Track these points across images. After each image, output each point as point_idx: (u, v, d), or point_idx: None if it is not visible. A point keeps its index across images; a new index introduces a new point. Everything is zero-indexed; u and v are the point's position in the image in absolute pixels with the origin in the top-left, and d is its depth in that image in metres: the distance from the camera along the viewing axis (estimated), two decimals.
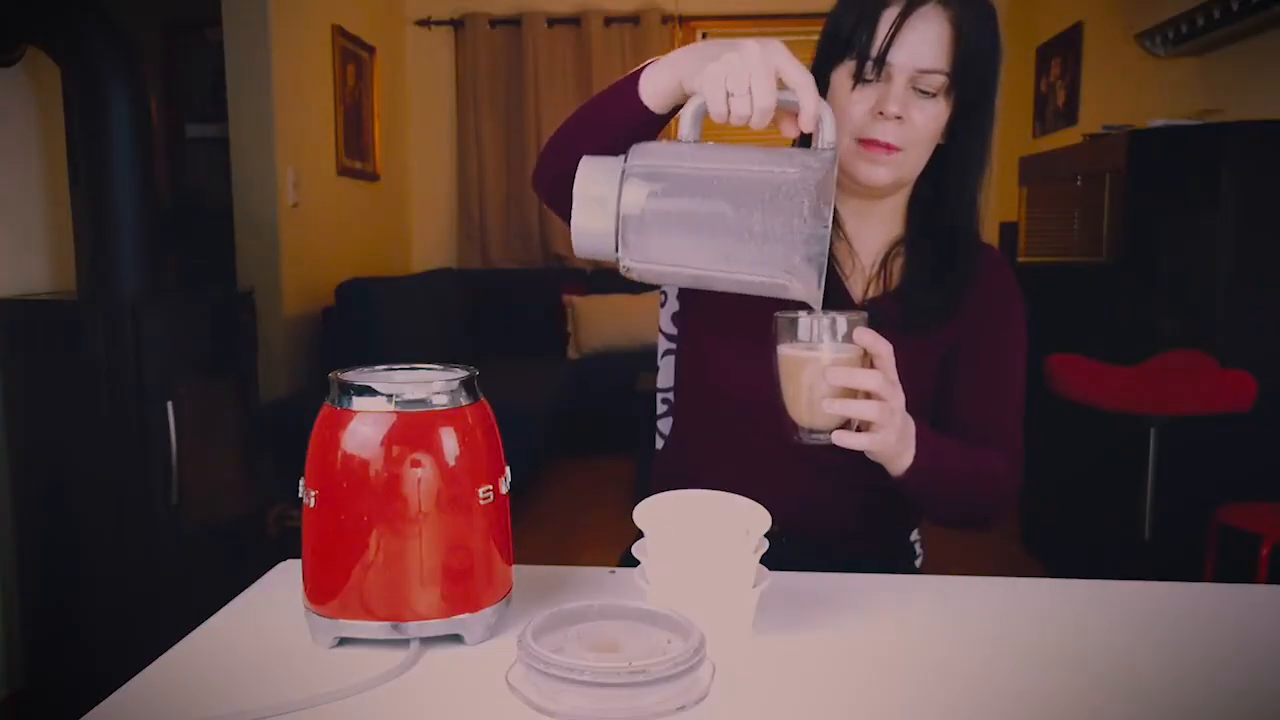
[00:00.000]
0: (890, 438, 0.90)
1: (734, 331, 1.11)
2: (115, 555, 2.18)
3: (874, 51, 1.01)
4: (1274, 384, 2.43)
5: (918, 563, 1.26)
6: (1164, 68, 3.45)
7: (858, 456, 0.93)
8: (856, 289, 1.14)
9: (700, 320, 1.18)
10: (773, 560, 0.86)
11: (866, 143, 1.03)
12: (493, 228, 5.32)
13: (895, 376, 0.89)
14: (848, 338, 0.87)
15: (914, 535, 1.27)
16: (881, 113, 1.01)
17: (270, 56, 3.65)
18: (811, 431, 0.89)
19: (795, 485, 1.07)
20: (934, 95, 1.02)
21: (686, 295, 1.21)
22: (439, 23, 5.26)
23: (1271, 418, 2.44)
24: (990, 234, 4.83)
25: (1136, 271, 2.73)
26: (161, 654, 0.81)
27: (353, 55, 4.49)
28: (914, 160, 1.06)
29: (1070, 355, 2.72)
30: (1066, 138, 4.08)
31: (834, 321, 0.87)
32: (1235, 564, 2.32)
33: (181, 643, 0.84)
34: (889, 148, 1.03)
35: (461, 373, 0.83)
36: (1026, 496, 3.49)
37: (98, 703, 0.72)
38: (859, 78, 1.02)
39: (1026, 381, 1.15)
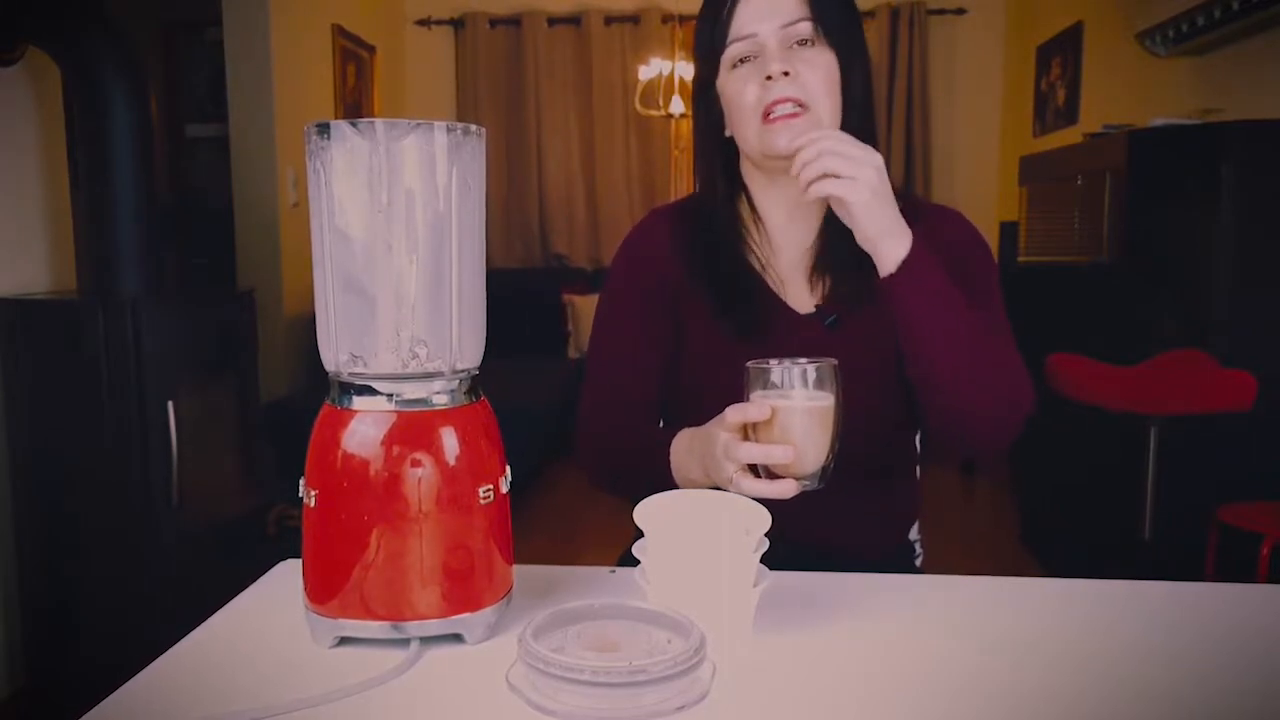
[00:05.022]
0: (863, 193, 0.93)
1: (705, 351, 1.13)
2: (115, 555, 2.18)
3: (731, 32, 1.06)
4: (1274, 384, 2.42)
5: (918, 562, 1.26)
6: (1164, 68, 3.45)
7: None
8: (802, 299, 1.13)
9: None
10: (773, 560, 0.86)
11: (771, 115, 1.05)
12: (493, 228, 5.32)
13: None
14: (819, 384, 0.88)
15: (914, 534, 1.27)
16: (770, 77, 1.04)
17: (270, 56, 3.65)
18: (800, 479, 0.90)
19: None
20: (811, 43, 1.05)
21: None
22: (439, 22, 5.26)
23: (1271, 418, 2.44)
24: (990, 233, 4.83)
25: (1136, 271, 2.73)
26: (161, 654, 0.81)
27: (353, 55, 4.49)
28: (825, 116, 1.06)
29: (1070, 355, 2.72)
30: (1066, 137, 4.08)
31: (805, 371, 0.89)
32: (1235, 564, 2.32)
33: (181, 643, 0.84)
34: (793, 103, 1.04)
35: (462, 372, 0.83)
36: (1026, 496, 3.51)
37: (98, 703, 0.72)
38: (737, 61, 1.07)
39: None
